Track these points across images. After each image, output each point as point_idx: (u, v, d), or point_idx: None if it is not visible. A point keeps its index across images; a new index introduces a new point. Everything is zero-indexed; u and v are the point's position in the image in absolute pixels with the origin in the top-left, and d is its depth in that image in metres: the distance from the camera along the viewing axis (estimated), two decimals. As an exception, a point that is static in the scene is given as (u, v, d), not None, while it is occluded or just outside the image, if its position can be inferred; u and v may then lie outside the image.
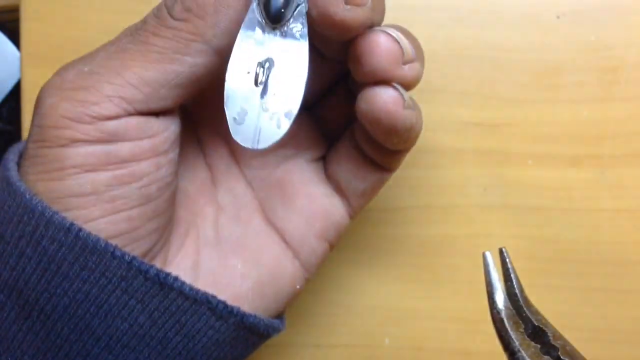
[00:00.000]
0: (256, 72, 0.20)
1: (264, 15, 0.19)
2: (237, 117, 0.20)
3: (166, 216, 0.22)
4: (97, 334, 0.21)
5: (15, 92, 0.44)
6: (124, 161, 0.20)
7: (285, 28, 0.19)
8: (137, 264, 0.20)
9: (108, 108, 0.20)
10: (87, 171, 0.20)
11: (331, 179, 0.25)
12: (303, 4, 0.19)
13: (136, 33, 0.21)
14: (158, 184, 0.21)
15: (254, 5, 0.19)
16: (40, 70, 0.31)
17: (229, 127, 0.20)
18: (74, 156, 0.20)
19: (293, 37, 0.20)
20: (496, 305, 0.21)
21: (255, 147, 0.20)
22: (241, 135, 0.20)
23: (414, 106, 0.22)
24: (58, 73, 0.21)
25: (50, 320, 0.20)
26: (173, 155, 0.22)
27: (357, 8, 0.19)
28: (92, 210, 0.20)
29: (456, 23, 0.30)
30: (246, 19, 0.19)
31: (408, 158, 0.31)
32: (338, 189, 0.25)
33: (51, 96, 0.20)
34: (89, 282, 0.20)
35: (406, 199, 0.31)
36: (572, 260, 0.30)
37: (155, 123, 0.21)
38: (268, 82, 0.20)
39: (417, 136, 0.23)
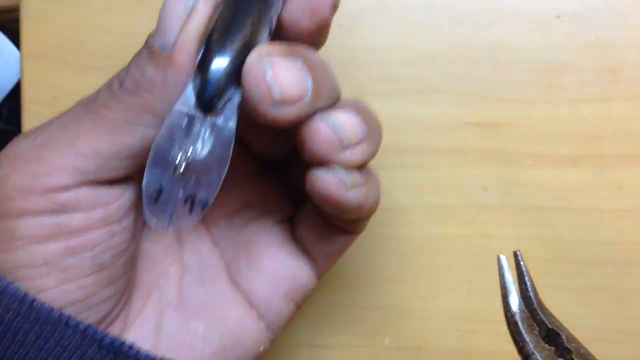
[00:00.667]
0: (178, 156, 0.19)
1: (197, 101, 0.19)
2: (153, 196, 0.20)
3: (123, 281, 0.22)
4: None
5: (15, 92, 0.44)
6: (75, 231, 0.20)
7: (215, 118, 0.19)
8: (91, 333, 0.20)
9: (59, 179, 0.20)
10: (38, 242, 0.20)
11: (298, 240, 0.25)
12: (236, 97, 0.19)
13: (89, 104, 0.21)
14: (112, 252, 0.21)
15: (190, 87, 0.19)
16: (40, 70, 0.31)
17: (144, 205, 0.20)
18: (24, 227, 0.20)
19: (221, 128, 0.19)
20: (510, 308, 0.21)
21: (164, 228, 0.20)
22: (154, 214, 0.20)
23: (360, 185, 0.21)
24: (12, 144, 0.21)
25: None
26: (128, 222, 0.22)
27: (288, 107, 0.19)
28: (44, 281, 0.20)
29: (456, 23, 0.30)
30: (181, 98, 0.19)
31: (408, 158, 0.31)
32: (304, 250, 0.25)
33: (3, 167, 0.20)
34: (44, 350, 0.20)
35: (406, 199, 0.31)
36: (572, 260, 0.30)
37: (108, 192, 0.21)
38: (189, 167, 0.20)
39: (371, 210, 0.23)
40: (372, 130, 0.22)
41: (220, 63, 0.19)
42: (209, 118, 0.19)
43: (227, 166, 0.20)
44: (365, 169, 0.22)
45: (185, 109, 0.19)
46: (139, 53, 0.20)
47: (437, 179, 0.31)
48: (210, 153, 0.20)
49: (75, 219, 0.20)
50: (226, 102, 0.19)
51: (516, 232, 0.30)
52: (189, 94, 0.19)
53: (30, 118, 0.31)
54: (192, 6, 0.19)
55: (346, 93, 0.31)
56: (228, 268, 0.25)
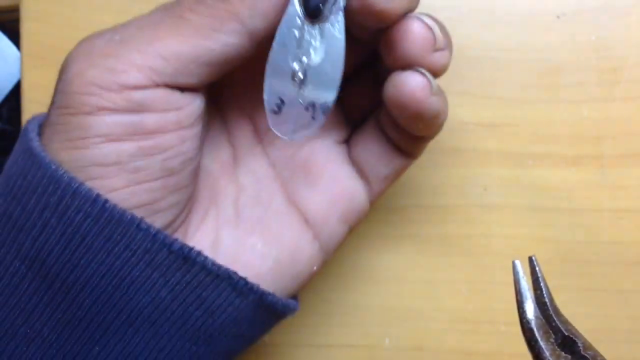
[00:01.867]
0: (295, 66, 0.20)
1: (303, 10, 0.20)
2: (275, 108, 0.21)
3: (188, 191, 0.22)
4: (118, 307, 0.20)
5: (16, 92, 0.44)
6: (149, 132, 0.20)
7: (324, 23, 0.20)
8: (161, 237, 0.20)
9: (136, 77, 0.20)
10: (111, 141, 0.20)
11: (355, 162, 0.25)
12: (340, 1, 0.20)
13: (171, 8, 0.20)
14: (181, 158, 0.21)
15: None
16: (40, 70, 0.31)
17: (267, 117, 0.21)
18: (99, 125, 0.19)
19: (331, 32, 0.20)
20: (526, 315, 0.21)
21: (292, 138, 0.21)
22: (278, 126, 0.21)
23: (440, 93, 0.22)
24: (88, 39, 0.21)
25: (71, 292, 0.20)
26: (197, 129, 0.22)
27: None
28: (114, 181, 0.20)
29: (456, 23, 0.30)
30: (287, 11, 0.20)
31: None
32: (361, 172, 0.25)
33: (79, 62, 0.20)
34: (112, 254, 0.20)
35: (406, 199, 0.31)
36: (572, 260, 0.30)
37: (180, 97, 0.21)
38: (306, 74, 0.20)
39: (442, 123, 0.23)
40: (449, 40, 0.22)
41: None
42: (317, 25, 0.20)
43: (342, 69, 0.20)
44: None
45: (293, 20, 0.20)
46: None
47: (437, 179, 0.31)
48: (324, 59, 0.20)
49: (150, 119, 0.20)
50: (332, 6, 0.20)
51: (516, 232, 0.30)
52: (294, 5, 0.20)
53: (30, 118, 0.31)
54: None
55: (346, 93, 0.31)
56: (285, 188, 0.25)
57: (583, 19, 0.30)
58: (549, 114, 0.30)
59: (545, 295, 0.21)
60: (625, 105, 0.30)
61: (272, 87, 0.20)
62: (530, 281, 0.22)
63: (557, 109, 0.30)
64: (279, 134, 0.21)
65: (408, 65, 0.21)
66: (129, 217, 0.20)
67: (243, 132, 0.25)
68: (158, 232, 0.20)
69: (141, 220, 0.20)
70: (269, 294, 0.23)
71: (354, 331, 0.31)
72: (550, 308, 0.21)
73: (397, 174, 0.25)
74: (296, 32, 0.20)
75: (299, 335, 0.32)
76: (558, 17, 0.30)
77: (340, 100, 0.26)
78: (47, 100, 0.22)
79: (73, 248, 0.20)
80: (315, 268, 0.25)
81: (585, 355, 0.20)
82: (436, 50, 0.21)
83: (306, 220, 0.24)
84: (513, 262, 0.22)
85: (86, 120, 0.20)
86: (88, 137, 0.20)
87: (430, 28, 0.21)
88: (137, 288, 0.20)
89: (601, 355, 0.20)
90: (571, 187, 0.30)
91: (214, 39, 0.20)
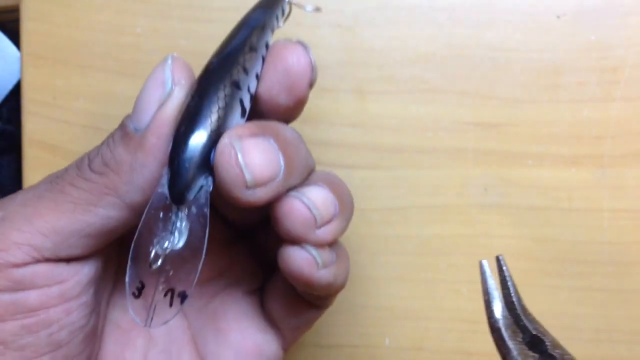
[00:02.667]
0: (156, 250, 0.20)
1: (169, 194, 0.19)
2: (135, 292, 0.20)
3: (83, 357, 0.22)
4: None
5: (16, 92, 0.44)
6: (31, 310, 0.20)
7: (188, 208, 0.20)
8: None
9: (15, 255, 0.20)
10: None
11: (266, 312, 0.25)
12: (206, 186, 0.19)
13: (55, 181, 0.21)
14: (69, 329, 0.21)
15: (163, 180, 0.19)
16: (40, 70, 0.31)
17: (127, 300, 0.20)
18: None
19: (194, 218, 0.20)
20: (494, 314, 0.21)
21: (148, 325, 0.20)
22: (137, 310, 0.20)
23: (330, 264, 0.22)
24: None
25: None
26: (86, 298, 0.22)
27: (260, 189, 0.19)
28: None
29: (456, 23, 0.30)
30: (156, 192, 0.20)
31: (408, 158, 0.31)
32: (272, 322, 0.25)
33: None
34: None
35: (406, 199, 0.31)
36: (572, 260, 0.30)
37: (64, 269, 0.21)
38: (167, 260, 0.20)
39: (340, 287, 0.23)
40: (345, 205, 0.22)
41: (188, 155, 0.19)
42: (183, 209, 0.19)
43: (203, 256, 0.20)
44: (336, 243, 0.22)
45: (159, 203, 0.19)
46: (112, 134, 0.21)
47: (437, 179, 0.31)
48: (186, 245, 0.20)
49: (32, 296, 0.20)
50: (199, 191, 0.19)
51: (516, 232, 0.30)
52: (163, 187, 0.19)
53: (30, 118, 0.31)
54: (169, 92, 0.20)
55: (346, 93, 0.31)
56: (195, 341, 0.25)
57: (583, 19, 0.30)
58: (549, 114, 0.30)
59: (512, 294, 0.21)
60: (625, 105, 0.30)
61: (135, 270, 0.20)
62: (498, 280, 0.22)
63: (557, 109, 0.30)
64: (136, 320, 0.20)
65: (294, 241, 0.21)
66: None
67: None
68: None
69: None
70: None
71: (354, 331, 0.31)
72: (517, 307, 0.21)
73: (309, 324, 0.25)
74: (162, 215, 0.20)
75: (299, 335, 0.32)
76: (558, 17, 0.30)
77: (252, 246, 0.26)
78: (47, 100, 0.22)
79: None
80: None
81: (553, 354, 0.20)
82: (320, 226, 0.21)
83: None
84: (480, 263, 0.22)
85: None
86: None
87: (309, 208, 0.20)
88: None
89: (569, 354, 0.20)
90: (571, 187, 0.30)
91: (92, 213, 0.20)
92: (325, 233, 0.21)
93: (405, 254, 0.31)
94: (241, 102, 0.20)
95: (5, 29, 0.44)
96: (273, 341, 0.25)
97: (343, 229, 0.22)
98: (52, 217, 0.20)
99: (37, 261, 0.20)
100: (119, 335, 0.24)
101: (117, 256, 0.24)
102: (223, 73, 0.20)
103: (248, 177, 0.19)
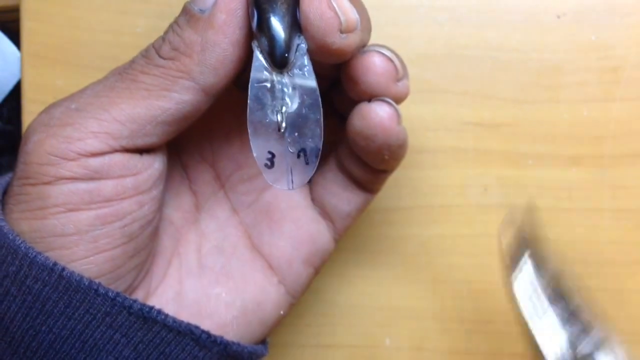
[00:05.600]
0: (276, 117, 0.20)
1: (270, 62, 0.20)
2: (267, 163, 0.21)
3: (147, 251, 0.22)
4: None
5: (16, 92, 0.44)
6: (106, 200, 0.20)
7: (292, 70, 0.20)
8: (120, 300, 0.20)
9: (93, 144, 0.20)
10: (70, 210, 0.20)
11: (316, 203, 0.25)
12: (302, 43, 0.20)
13: (124, 72, 0.21)
14: (140, 222, 0.21)
15: (257, 53, 0.20)
16: (40, 70, 0.31)
17: (263, 174, 0.21)
18: (57, 194, 0.20)
19: (301, 76, 0.20)
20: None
21: (291, 187, 0.21)
22: (275, 179, 0.21)
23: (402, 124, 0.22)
24: (46, 110, 0.21)
25: (36, 357, 0.20)
26: (156, 192, 0.22)
27: (350, 34, 0.20)
28: (75, 251, 0.20)
29: (456, 23, 0.30)
30: (253, 66, 0.20)
31: (408, 158, 0.31)
32: (323, 212, 0.25)
33: (37, 133, 0.20)
34: (73, 318, 0.20)
35: (406, 199, 0.31)
36: (572, 260, 0.30)
37: (139, 161, 0.21)
38: (288, 123, 0.20)
39: (404, 154, 0.23)
40: (406, 67, 0.23)
41: (278, 17, 0.19)
42: (286, 74, 0.20)
43: (321, 108, 0.20)
44: None
45: (261, 75, 0.20)
46: (175, 21, 0.21)
47: (437, 179, 0.31)
48: (300, 104, 0.20)
49: (107, 186, 0.20)
50: (296, 53, 0.20)
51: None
52: (259, 59, 0.20)
53: (30, 118, 0.31)
54: None
55: (346, 93, 0.31)
56: (248, 233, 0.25)
57: (583, 19, 0.30)
58: (549, 114, 0.30)
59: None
60: (625, 105, 0.30)
61: (259, 144, 0.20)
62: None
63: (557, 109, 0.30)
64: (279, 188, 0.21)
65: (373, 97, 0.21)
66: (86, 283, 0.20)
67: (204, 179, 0.25)
68: (117, 295, 0.20)
69: (99, 285, 0.20)
70: (234, 343, 0.23)
71: (354, 331, 0.31)
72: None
73: (359, 211, 0.25)
74: (267, 85, 0.20)
75: (299, 335, 0.32)
76: (558, 17, 0.30)
77: None
78: (47, 100, 0.22)
79: (34, 315, 0.20)
80: (282, 312, 0.25)
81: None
82: (398, 80, 0.22)
83: (270, 266, 0.25)
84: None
85: (45, 190, 0.20)
86: (47, 208, 0.20)
87: (390, 60, 0.21)
88: (100, 349, 0.21)
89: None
90: (571, 187, 0.30)
91: (167, 98, 0.20)
92: (403, 87, 0.22)
93: (405, 254, 0.31)
94: None
95: (5, 29, 0.44)
96: (325, 231, 0.25)
97: (409, 90, 0.23)
98: (127, 105, 0.20)
99: (114, 150, 0.20)
100: (173, 231, 0.24)
101: (166, 155, 0.24)
102: None
103: (342, 18, 0.20)
